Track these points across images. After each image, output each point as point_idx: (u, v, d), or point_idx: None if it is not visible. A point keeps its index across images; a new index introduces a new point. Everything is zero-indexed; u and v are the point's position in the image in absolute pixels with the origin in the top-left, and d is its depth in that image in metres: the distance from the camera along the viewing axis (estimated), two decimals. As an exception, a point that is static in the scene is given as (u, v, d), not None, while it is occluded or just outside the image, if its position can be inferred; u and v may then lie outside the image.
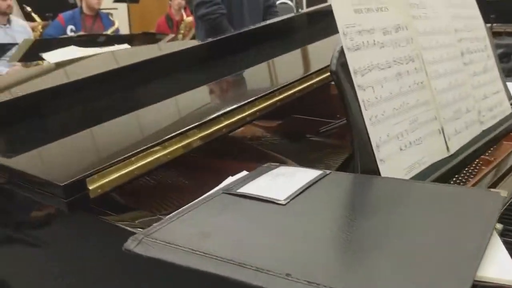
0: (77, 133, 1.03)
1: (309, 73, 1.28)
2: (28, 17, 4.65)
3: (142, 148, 0.86)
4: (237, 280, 0.55)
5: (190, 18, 5.17)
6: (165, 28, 5.35)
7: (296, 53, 1.71)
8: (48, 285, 0.99)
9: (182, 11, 5.39)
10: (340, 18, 0.88)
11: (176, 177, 1.12)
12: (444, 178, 0.98)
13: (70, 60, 2.00)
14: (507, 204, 0.83)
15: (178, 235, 0.65)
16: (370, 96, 0.90)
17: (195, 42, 2.46)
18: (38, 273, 1.00)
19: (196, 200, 0.76)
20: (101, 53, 2.18)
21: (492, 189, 0.87)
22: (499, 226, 0.66)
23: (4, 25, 4.02)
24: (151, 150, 0.87)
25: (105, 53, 2.16)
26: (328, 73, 0.90)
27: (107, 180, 0.81)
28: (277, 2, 8.26)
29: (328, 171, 0.83)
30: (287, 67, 1.56)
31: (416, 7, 1.08)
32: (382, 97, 0.93)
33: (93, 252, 0.85)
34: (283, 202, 0.72)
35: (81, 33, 4.17)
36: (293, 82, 1.17)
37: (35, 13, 4.38)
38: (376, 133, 0.89)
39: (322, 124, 1.55)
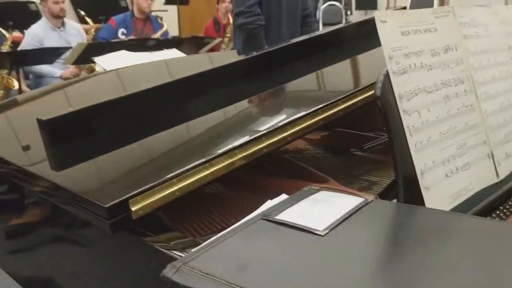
0: (124, 146, 1.06)
1: (357, 89, 1.26)
2: (82, 20, 4.82)
3: (185, 169, 0.87)
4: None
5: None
6: (212, 31, 5.41)
7: (344, 66, 1.69)
8: (94, 285, 1.02)
9: (229, 14, 5.44)
10: (386, 41, 0.86)
11: (215, 191, 1.13)
12: (492, 206, 0.94)
13: (124, 69, 2.07)
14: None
15: (215, 265, 0.65)
16: (416, 121, 0.88)
17: (235, 55, 2.46)
18: (86, 273, 1.03)
19: (234, 226, 0.76)
20: (153, 62, 2.23)
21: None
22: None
23: (59, 28, 4.17)
24: (194, 170, 0.88)
25: (158, 62, 2.21)
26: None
27: (149, 201, 0.82)
28: (326, 4, 8.22)
29: (369, 199, 0.81)
30: (334, 81, 1.54)
31: (467, 26, 1.04)
32: (429, 122, 0.90)
33: (130, 266, 0.88)
34: (322, 233, 0.71)
35: (132, 37, 4.28)
36: (337, 100, 1.15)
37: (88, 17, 4.52)
38: (421, 160, 0.87)
39: (367, 139, 1.52)
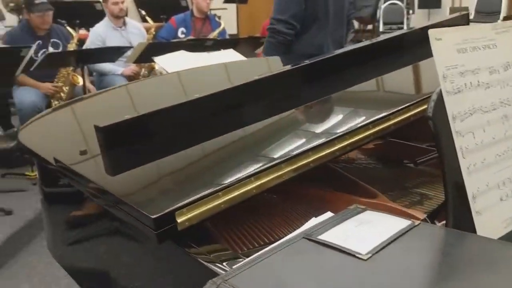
0: (175, 153, 1.08)
1: (414, 102, 1.22)
2: (144, 19, 4.97)
3: (230, 182, 0.88)
4: None
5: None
6: (269, 31, 5.41)
7: (404, 73, 1.64)
8: (146, 280, 1.06)
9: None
10: (441, 60, 0.84)
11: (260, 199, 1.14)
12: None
13: (185, 72, 2.12)
14: None
15: (255, 284, 0.66)
16: (470, 142, 0.85)
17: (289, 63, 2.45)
18: (139, 267, 1.07)
19: (276, 244, 0.77)
20: (213, 65, 2.26)
21: None
22: None
23: (120, 27, 4.32)
24: (239, 184, 0.89)
25: (218, 65, 2.24)
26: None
27: (195, 213, 0.84)
28: (387, 3, 8.03)
29: (416, 222, 0.79)
30: (392, 89, 1.50)
31: (531, 41, 0.99)
32: (484, 143, 0.87)
33: (173, 271, 0.90)
34: (365, 257, 0.70)
35: (191, 37, 4.37)
36: (389, 114, 1.13)
37: (149, 16, 4.65)
38: (473, 183, 0.83)
39: (420, 151, 1.48)
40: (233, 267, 0.71)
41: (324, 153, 1.00)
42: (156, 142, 1.13)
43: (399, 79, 1.63)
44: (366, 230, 0.79)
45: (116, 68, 4.16)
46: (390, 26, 7.85)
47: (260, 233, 1.01)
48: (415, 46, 1.76)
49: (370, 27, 8.68)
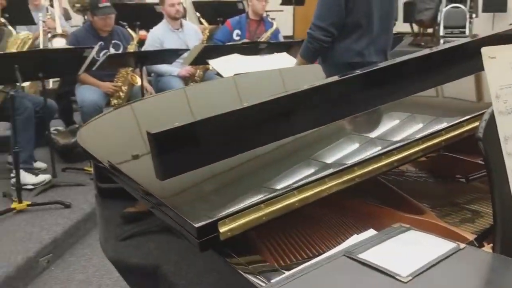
0: (222, 160, 1.10)
1: (466, 118, 1.19)
2: (199, 21, 5.09)
3: (273, 195, 0.89)
4: None
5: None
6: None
7: (463, 84, 1.58)
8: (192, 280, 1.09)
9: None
10: (494, 79, 0.81)
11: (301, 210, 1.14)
12: None
13: (240, 77, 2.16)
14: None
15: (291, 300, 0.67)
16: (522, 165, 0.82)
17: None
18: (187, 265, 1.09)
19: (316, 260, 0.77)
20: (268, 71, 2.29)
21: None
22: None
23: (177, 29, 4.43)
24: (282, 196, 0.90)
25: (272, 72, 2.26)
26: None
27: (236, 224, 0.85)
28: (449, 6, 7.76)
29: (462, 245, 0.77)
30: (449, 102, 1.45)
31: None
32: (538, 166, 0.83)
33: (213, 276, 0.92)
34: (405, 279, 0.69)
35: (245, 39, 4.41)
36: (442, 130, 1.10)
37: (204, 18, 4.73)
38: (525, 208, 0.80)
39: (474, 166, 1.43)
40: (272, 281, 0.72)
41: (370, 168, 0.99)
42: (205, 149, 1.15)
43: (458, 89, 1.58)
44: (408, 251, 0.78)
45: (172, 69, 4.26)
46: (452, 30, 7.57)
47: (302, 245, 1.01)
48: (476, 56, 1.69)
49: (430, 30, 8.42)
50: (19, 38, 3.28)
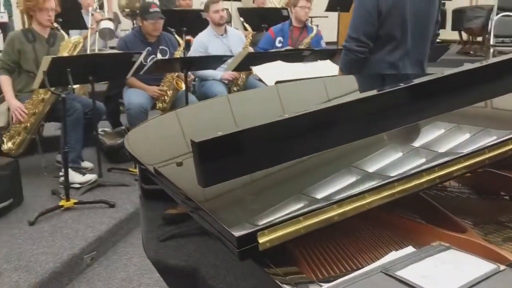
0: (263, 169, 1.12)
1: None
2: (244, 27, 5.15)
3: (312, 208, 0.91)
4: None
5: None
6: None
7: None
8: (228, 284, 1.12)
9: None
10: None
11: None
12: None
13: (284, 86, 2.18)
14: None
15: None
16: None
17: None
18: (225, 270, 1.12)
19: (353, 275, 0.78)
20: (310, 80, 2.30)
21: None
22: None
23: (221, 35, 4.50)
24: (321, 210, 0.92)
25: (315, 81, 2.28)
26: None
27: (275, 235, 0.87)
28: (500, 15, 7.52)
29: (502, 267, 0.77)
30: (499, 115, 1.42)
31: None
32: None
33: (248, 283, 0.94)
34: (441, 300, 0.70)
35: (288, 46, 4.43)
36: (486, 148, 1.08)
37: (250, 25, 4.77)
38: None
39: (520, 183, 1.40)
40: (308, 294, 0.74)
41: (411, 184, 0.99)
42: (246, 159, 1.18)
43: (508, 101, 1.54)
44: (446, 270, 0.78)
45: (216, 73, 4.34)
46: (502, 39, 7.33)
47: (339, 256, 1.02)
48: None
49: (479, 39, 8.19)
50: (71, 42, 3.41)
